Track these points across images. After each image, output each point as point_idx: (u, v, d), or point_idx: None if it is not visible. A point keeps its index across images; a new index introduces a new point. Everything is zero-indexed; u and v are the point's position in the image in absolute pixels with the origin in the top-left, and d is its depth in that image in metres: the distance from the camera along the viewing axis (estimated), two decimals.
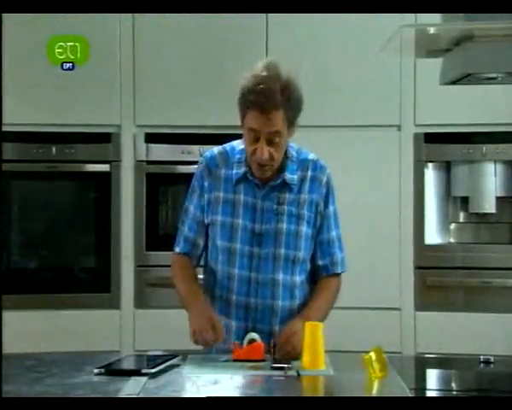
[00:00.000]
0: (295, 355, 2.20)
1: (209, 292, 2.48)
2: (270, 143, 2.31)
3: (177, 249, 2.52)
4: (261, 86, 2.26)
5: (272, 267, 2.39)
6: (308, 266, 2.47)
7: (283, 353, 2.22)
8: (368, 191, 3.71)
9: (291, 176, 2.41)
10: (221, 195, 2.43)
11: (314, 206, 2.42)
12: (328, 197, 2.45)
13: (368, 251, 3.67)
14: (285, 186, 2.41)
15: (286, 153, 2.41)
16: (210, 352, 2.41)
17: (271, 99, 2.26)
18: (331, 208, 2.46)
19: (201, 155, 2.61)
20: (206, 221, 2.45)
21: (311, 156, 2.47)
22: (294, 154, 2.45)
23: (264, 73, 2.29)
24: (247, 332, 2.34)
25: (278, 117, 2.28)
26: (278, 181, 2.40)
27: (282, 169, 2.40)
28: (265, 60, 2.37)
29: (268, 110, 2.26)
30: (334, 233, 2.46)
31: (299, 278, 2.43)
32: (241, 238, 2.39)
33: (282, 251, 2.39)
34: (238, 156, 2.45)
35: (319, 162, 2.47)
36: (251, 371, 2.10)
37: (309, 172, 2.44)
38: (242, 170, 2.42)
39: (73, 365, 2.16)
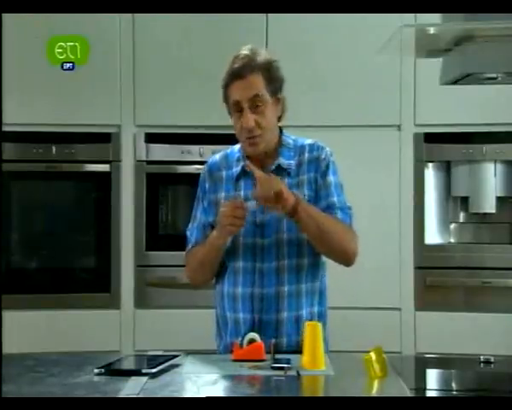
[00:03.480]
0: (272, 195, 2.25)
1: (216, 287, 2.50)
2: (253, 110, 2.35)
3: (188, 247, 2.53)
4: (236, 56, 2.40)
5: (276, 254, 2.39)
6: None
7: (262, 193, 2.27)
8: (368, 191, 3.71)
9: (287, 161, 2.44)
10: (223, 195, 2.46)
11: (313, 183, 2.42)
12: (326, 170, 2.43)
13: (368, 251, 3.66)
14: (283, 172, 2.41)
15: (281, 141, 2.46)
16: (225, 348, 2.42)
17: (247, 64, 2.36)
18: (330, 178, 2.43)
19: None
20: (210, 221, 2.47)
21: (309, 141, 2.49)
22: (291, 141, 2.49)
23: (242, 51, 2.42)
24: (254, 324, 2.36)
25: (257, 80, 2.36)
26: (273, 167, 2.42)
27: (276, 155, 2.43)
28: (245, 46, 2.45)
29: (245, 74, 2.35)
30: (334, 198, 2.41)
31: (306, 260, 2.41)
32: (244, 231, 2.39)
33: (285, 236, 2.39)
34: (237, 155, 2.49)
35: (317, 144, 2.48)
36: (251, 371, 2.10)
37: (306, 155, 2.46)
38: (241, 165, 2.45)
39: (73, 365, 2.15)
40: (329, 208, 2.40)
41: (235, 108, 2.38)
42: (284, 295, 2.39)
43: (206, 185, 2.50)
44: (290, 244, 2.39)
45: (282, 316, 2.38)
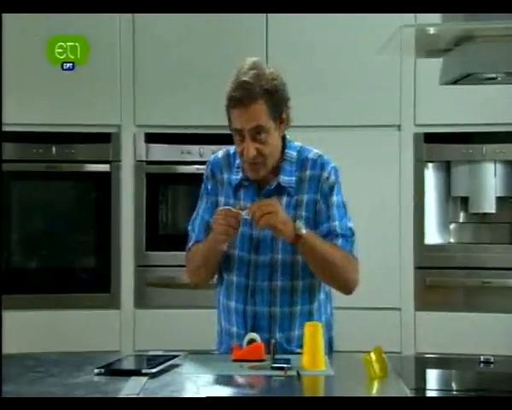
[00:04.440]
0: (266, 222, 2.20)
1: (217, 296, 2.49)
2: (255, 139, 2.27)
3: (189, 245, 2.50)
4: (239, 82, 2.26)
5: (269, 274, 2.34)
6: None
7: (256, 215, 2.21)
8: (368, 191, 3.71)
9: (288, 178, 2.35)
10: (222, 200, 2.42)
11: (312, 205, 2.34)
12: (330, 191, 2.35)
13: (368, 251, 3.66)
14: (282, 190, 2.35)
15: (284, 155, 2.37)
16: (220, 349, 2.44)
17: (248, 91, 2.23)
18: (333, 199, 2.35)
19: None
20: (210, 221, 2.43)
21: (312, 155, 2.39)
22: (294, 154, 2.39)
23: (245, 73, 2.28)
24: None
25: (259, 110, 2.25)
26: (274, 185, 2.35)
27: (277, 172, 2.36)
28: (249, 60, 2.33)
29: (246, 103, 2.24)
30: (335, 223, 2.34)
31: (301, 283, 2.36)
32: (239, 245, 2.36)
33: (279, 257, 2.34)
34: (238, 161, 2.42)
35: (320, 160, 2.37)
36: (251, 371, 2.10)
37: (307, 172, 2.36)
38: (239, 176, 2.40)
39: (73, 365, 2.15)
40: (330, 234, 2.33)
41: (237, 134, 2.30)
42: (277, 316, 2.35)
43: (209, 186, 2.47)
44: (284, 265, 2.34)
45: (274, 336, 2.33)
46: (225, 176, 2.44)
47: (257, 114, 2.25)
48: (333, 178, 2.37)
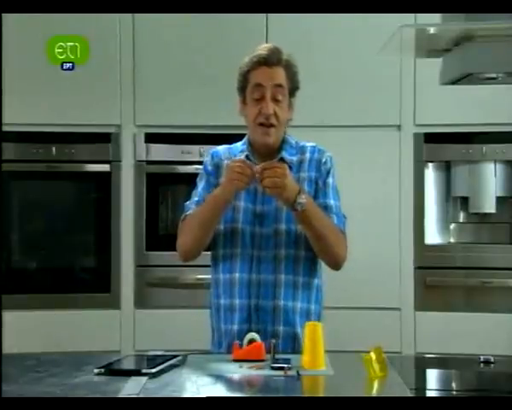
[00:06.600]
0: (276, 183, 2.26)
1: (213, 276, 2.51)
2: (274, 99, 2.40)
3: (186, 214, 2.50)
4: (265, 46, 2.47)
5: (274, 244, 2.42)
6: None
7: (266, 179, 2.28)
8: (368, 191, 3.71)
9: (289, 157, 2.48)
10: (223, 180, 2.43)
11: (314, 183, 2.47)
12: (328, 173, 2.49)
13: (368, 251, 3.67)
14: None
15: (284, 139, 2.50)
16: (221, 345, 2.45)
17: (275, 54, 2.43)
18: (329, 181, 2.49)
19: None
20: None
21: (309, 144, 2.54)
22: (293, 142, 2.53)
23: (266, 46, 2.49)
24: (250, 310, 2.39)
25: (281, 73, 2.43)
26: (277, 160, 2.43)
27: (279, 150, 2.47)
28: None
29: (272, 63, 2.41)
30: (331, 201, 2.46)
31: (304, 253, 2.43)
32: (243, 219, 2.43)
33: (283, 226, 2.41)
34: (241, 148, 2.52)
35: (318, 147, 2.53)
36: (251, 371, 2.10)
37: (307, 155, 2.51)
38: (245, 155, 2.47)
39: (73, 365, 2.15)
40: (326, 210, 2.44)
41: (255, 93, 2.41)
42: (281, 283, 2.41)
43: (209, 168, 2.52)
44: (288, 235, 2.42)
45: (278, 303, 2.40)
46: (226, 162, 2.48)
47: (279, 74, 2.43)
48: (329, 164, 2.51)
